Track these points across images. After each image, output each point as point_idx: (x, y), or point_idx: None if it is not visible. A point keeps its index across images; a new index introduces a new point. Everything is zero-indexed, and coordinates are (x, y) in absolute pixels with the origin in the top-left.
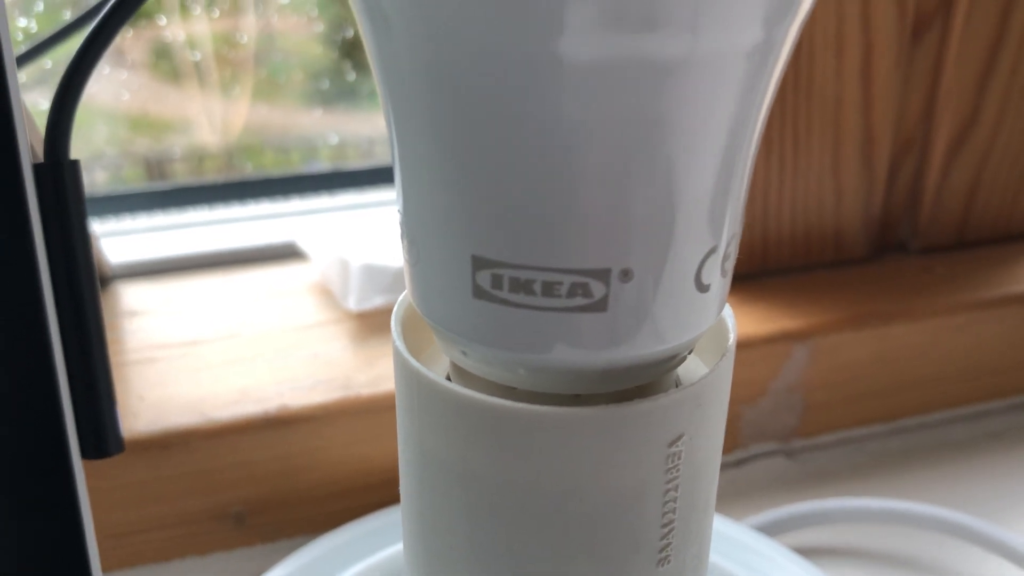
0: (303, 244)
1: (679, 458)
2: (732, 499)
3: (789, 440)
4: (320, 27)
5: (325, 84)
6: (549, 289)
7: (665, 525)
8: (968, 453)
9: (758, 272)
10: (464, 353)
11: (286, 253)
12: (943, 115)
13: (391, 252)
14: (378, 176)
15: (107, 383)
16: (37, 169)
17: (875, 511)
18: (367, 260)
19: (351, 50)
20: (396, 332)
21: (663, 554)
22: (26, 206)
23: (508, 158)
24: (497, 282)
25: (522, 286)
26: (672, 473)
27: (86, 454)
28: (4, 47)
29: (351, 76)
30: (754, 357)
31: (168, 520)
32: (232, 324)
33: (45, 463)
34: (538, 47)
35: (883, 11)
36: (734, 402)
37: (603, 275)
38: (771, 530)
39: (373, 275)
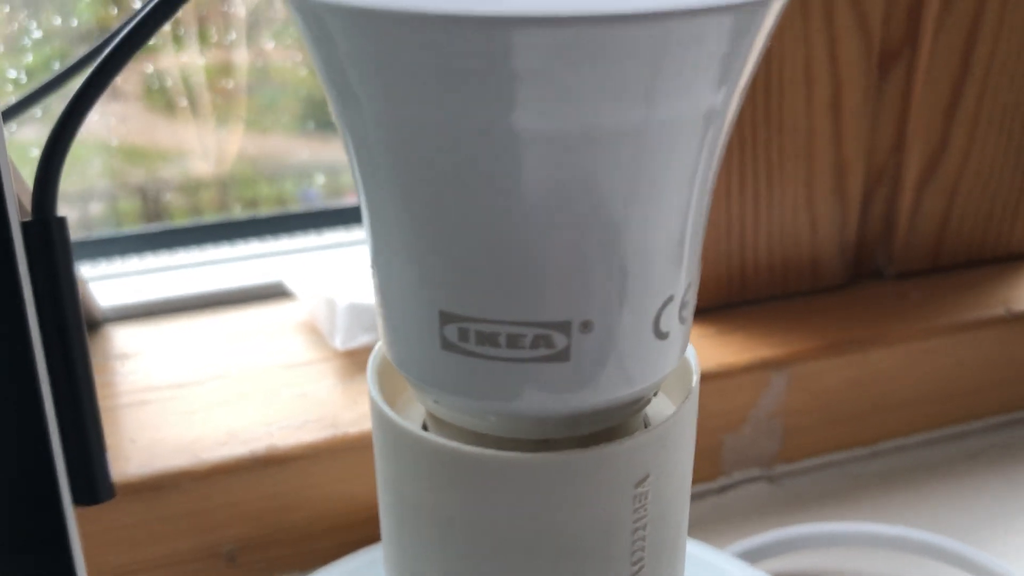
0: (291, 284)
1: (646, 498)
2: (715, 525)
3: (771, 466)
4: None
5: (318, 113)
6: (514, 341)
7: (635, 563)
8: (946, 475)
9: (737, 302)
10: (436, 401)
11: (274, 293)
12: (913, 145)
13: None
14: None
15: (97, 432)
16: (26, 227)
17: (857, 535)
18: (353, 299)
19: None
20: (372, 381)
21: None
22: (15, 262)
23: (469, 222)
24: (464, 335)
25: (488, 339)
26: (640, 512)
27: (78, 500)
28: None
29: None
30: (733, 386)
31: (161, 561)
32: (222, 365)
33: (38, 511)
34: (493, 123)
35: (850, 47)
36: (715, 431)
37: (564, 327)
38: (754, 556)
39: (359, 314)
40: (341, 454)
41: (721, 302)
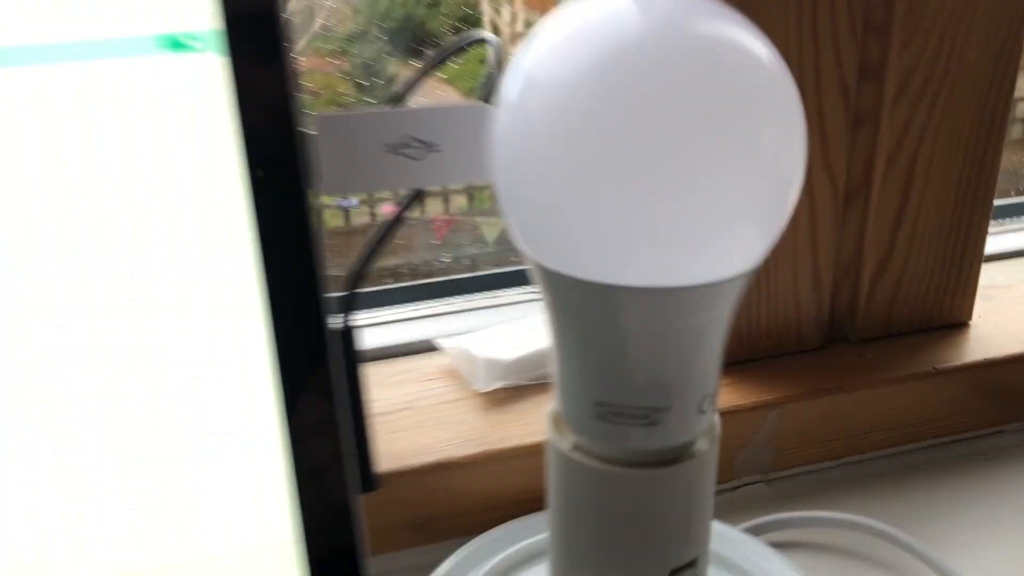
0: (439, 340)
1: (692, 492)
2: (729, 512)
3: (768, 473)
4: (345, 65)
5: None
6: (632, 415)
7: (687, 530)
8: (892, 481)
9: (744, 360)
10: (581, 438)
11: (424, 348)
12: (868, 254)
13: (507, 346)
14: (490, 281)
15: (371, 442)
16: (339, 334)
17: (826, 519)
18: (489, 353)
19: (371, 88)
20: (550, 428)
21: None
22: (332, 357)
23: (612, 355)
24: (604, 409)
25: (619, 413)
26: (688, 500)
27: (363, 490)
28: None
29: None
30: (742, 419)
31: (376, 529)
32: (403, 400)
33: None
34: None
35: (823, 190)
36: (729, 448)
37: (658, 410)
38: (755, 531)
39: (493, 365)
40: (488, 463)
41: (733, 360)
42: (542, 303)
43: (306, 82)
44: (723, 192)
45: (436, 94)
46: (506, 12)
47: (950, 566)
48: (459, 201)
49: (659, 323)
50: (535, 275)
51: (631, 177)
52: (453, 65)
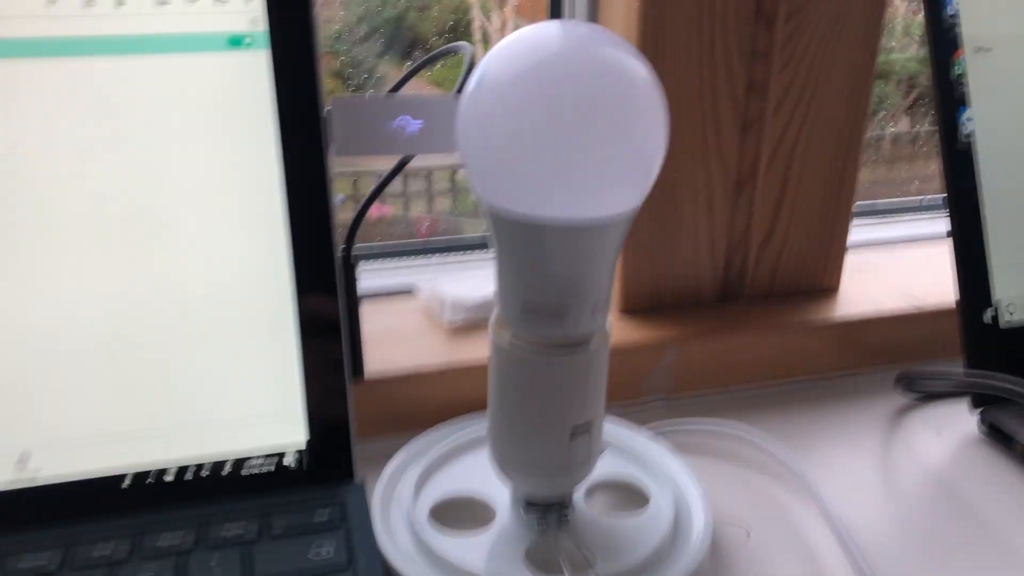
0: (417, 285)
1: (587, 371)
2: (636, 422)
3: (668, 394)
4: (335, 64)
5: None
6: (546, 311)
7: (585, 397)
8: (765, 406)
9: (654, 307)
10: (513, 337)
11: (405, 291)
12: (755, 232)
13: (468, 289)
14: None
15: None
16: (342, 259)
17: (711, 429)
18: (455, 294)
19: (363, 85)
20: (492, 328)
21: (584, 410)
22: (338, 276)
23: (535, 260)
24: (527, 310)
25: (537, 310)
26: (585, 376)
27: (353, 376)
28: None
29: None
30: (647, 350)
31: (361, 418)
32: (387, 327)
33: (333, 381)
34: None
35: (717, 179)
36: (637, 372)
37: (562, 308)
38: (655, 435)
39: (458, 304)
40: (452, 374)
41: (645, 308)
42: (490, 235)
43: None
44: (608, 159)
45: (425, 91)
46: (496, 18)
47: (798, 467)
48: (443, 202)
49: (566, 246)
50: (486, 213)
51: (548, 146)
52: (435, 70)
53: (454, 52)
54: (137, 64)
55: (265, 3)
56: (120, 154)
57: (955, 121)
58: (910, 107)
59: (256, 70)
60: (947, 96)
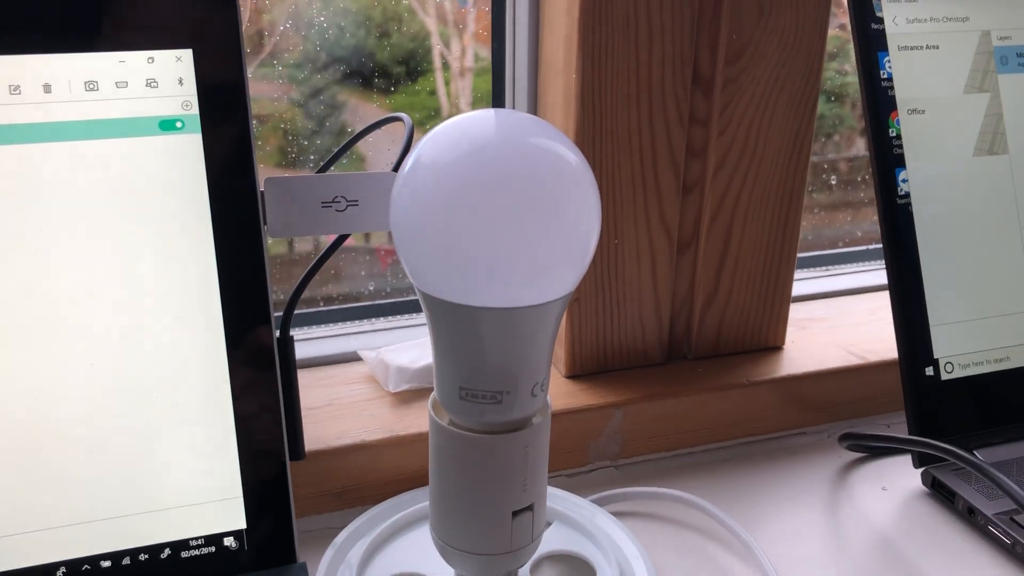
0: (361, 352)
1: (527, 454)
2: (583, 488)
3: (616, 460)
4: (293, 92)
5: (299, 143)
6: (485, 398)
7: (525, 485)
8: (711, 469)
9: (600, 371)
10: (452, 419)
11: (350, 358)
12: (699, 291)
13: (413, 357)
14: (403, 307)
15: (298, 422)
16: (279, 341)
17: (659, 495)
18: (399, 362)
19: (326, 115)
20: (431, 410)
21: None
22: (274, 357)
23: (469, 338)
24: (467, 395)
25: (475, 397)
26: (525, 458)
27: (292, 457)
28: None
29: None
30: (594, 415)
31: (301, 496)
32: (329, 398)
33: (269, 464)
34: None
35: (661, 243)
36: (584, 438)
37: (500, 394)
38: (600, 502)
39: (402, 371)
40: (396, 446)
41: (591, 371)
42: (427, 320)
43: (254, 108)
44: (542, 243)
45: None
46: (455, 46)
47: (743, 532)
48: None
49: (502, 331)
50: (421, 300)
51: (481, 233)
52: (394, 98)
53: (391, 121)
54: (66, 150)
55: (196, 86)
56: (49, 241)
57: (893, 179)
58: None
59: (189, 153)
60: (885, 154)
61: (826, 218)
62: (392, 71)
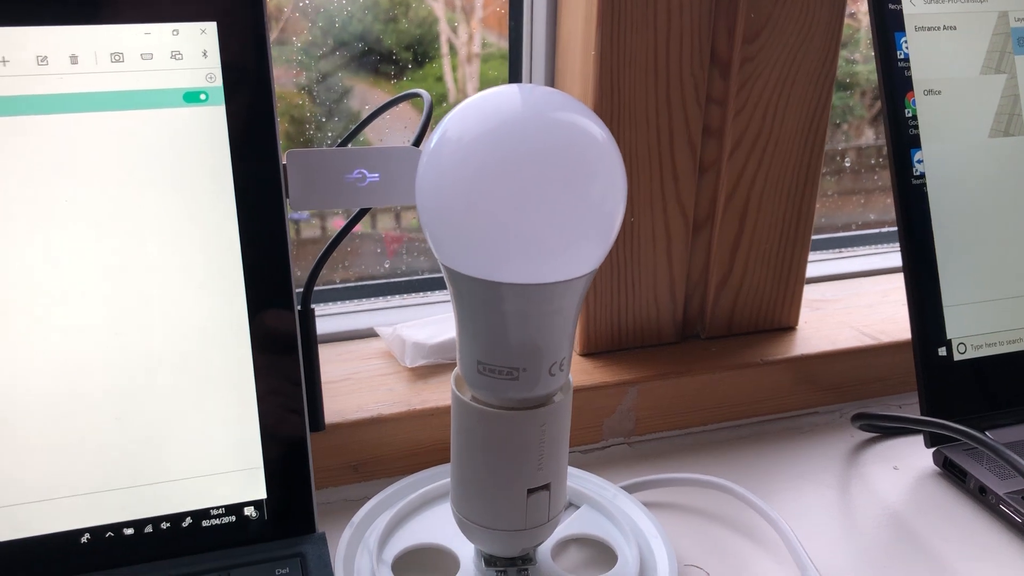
0: (378, 328)
1: (545, 431)
2: (598, 465)
3: (629, 437)
4: (301, 77)
5: (306, 132)
6: (503, 373)
7: (540, 463)
8: (726, 447)
9: (615, 349)
10: (474, 395)
11: (366, 334)
12: (713, 271)
13: (429, 333)
14: (423, 284)
15: (319, 396)
16: (300, 313)
17: (674, 479)
18: (415, 338)
19: (334, 100)
20: (453, 384)
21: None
22: (295, 329)
23: (493, 317)
24: (485, 369)
25: (494, 372)
26: (543, 437)
27: (312, 429)
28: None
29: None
30: (608, 392)
31: (320, 467)
32: (347, 373)
33: (290, 436)
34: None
35: (677, 223)
36: (598, 415)
37: (516, 370)
38: (628, 489)
39: (418, 347)
40: (413, 419)
41: (606, 349)
42: (450, 294)
43: None
44: (567, 220)
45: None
46: (463, 31)
47: (764, 507)
48: (410, 218)
49: (524, 308)
50: (444, 274)
51: (507, 208)
52: (411, 76)
53: (411, 97)
54: (92, 121)
55: (220, 59)
56: (76, 212)
57: (908, 160)
58: (875, 118)
59: (212, 125)
60: (900, 135)
61: (838, 202)
62: (399, 57)
